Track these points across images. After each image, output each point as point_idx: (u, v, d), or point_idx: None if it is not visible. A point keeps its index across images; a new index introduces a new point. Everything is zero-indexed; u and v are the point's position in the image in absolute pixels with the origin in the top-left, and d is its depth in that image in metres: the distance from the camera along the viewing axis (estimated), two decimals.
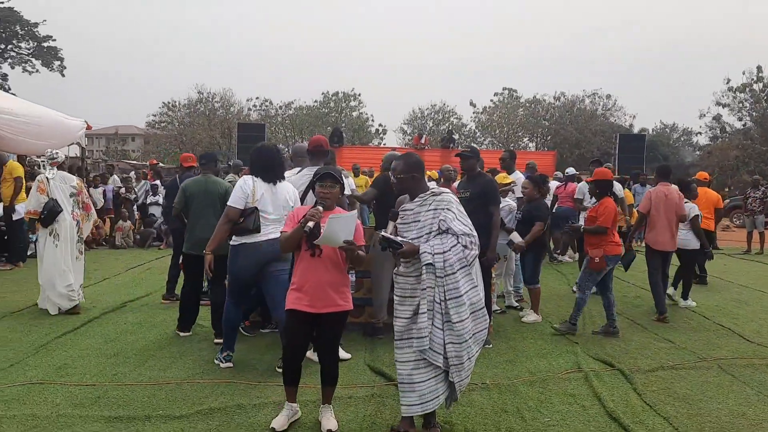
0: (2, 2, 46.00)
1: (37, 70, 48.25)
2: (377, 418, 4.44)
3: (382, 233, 4.11)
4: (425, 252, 4.06)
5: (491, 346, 6.16)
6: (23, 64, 48.50)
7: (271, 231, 5.15)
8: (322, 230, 4.04)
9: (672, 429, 4.31)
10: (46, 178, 7.37)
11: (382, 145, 43.16)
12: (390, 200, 5.11)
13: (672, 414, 4.54)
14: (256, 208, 5.12)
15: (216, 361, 5.51)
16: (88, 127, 12.70)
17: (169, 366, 5.44)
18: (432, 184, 6.33)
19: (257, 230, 5.09)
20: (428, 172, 8.17)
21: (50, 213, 7.21)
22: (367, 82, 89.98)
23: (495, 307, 7.53)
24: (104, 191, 13.87)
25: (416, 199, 4.26)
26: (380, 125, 49.18)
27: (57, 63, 49.13)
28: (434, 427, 4.24)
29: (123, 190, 14.05)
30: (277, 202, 5.24)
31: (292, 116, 46.38)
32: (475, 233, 4.20)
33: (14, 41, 48.44)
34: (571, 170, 13.87)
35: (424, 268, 4.05)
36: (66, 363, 5.44)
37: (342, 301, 4.24)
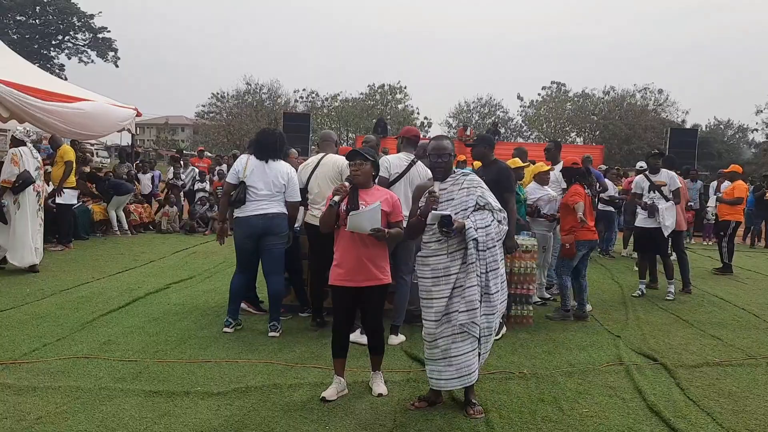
0: None
1: (93, 61, 49.78)
2: (412, 400, 4.43)
3: (436, 212, 4.16)
4: (470, 228, 4.17)
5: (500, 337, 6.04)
6: (79, 55, 50.05)
7: (262, 206, 5.68)
8: (360, 207, 4.29)
9: (716, 425, 4.18)
10: (20, 151, 8.17)
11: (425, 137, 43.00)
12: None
13: (716, 410, 4.40)
14: (243, 182, 5.69)
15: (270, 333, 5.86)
16: (138, 114, 13.00)
17: (209, 345, 5.52)
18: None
19: (240, 202, 5.69)
20: (476, 164, 8.15)
21: (24, 182, 8.13)
22: (413, 75, 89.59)
23: (536, 298, 7.45)
24: (152, 177, 14.21)
25: (448, 179, 4.41)
26: (426, 118, 49.00)
27: (111, 54, 50.51)
28: (477, 406, 4.29)
29: (171, 175, 14.34)
30: (267, 179, 5.70)
31: (337, 108, 46.58)
32: (505, 210, 4.44)
33: (71, 32, 49.89)
34: (642, 164, 13.60)
35: (471, 243, 4.15)
36: (110, 339, 5.58)
37: (382, 275, 4.43)
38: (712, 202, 10.49)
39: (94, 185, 12.26)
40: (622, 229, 12.98)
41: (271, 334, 5.86)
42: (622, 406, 4.46)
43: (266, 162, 5.78)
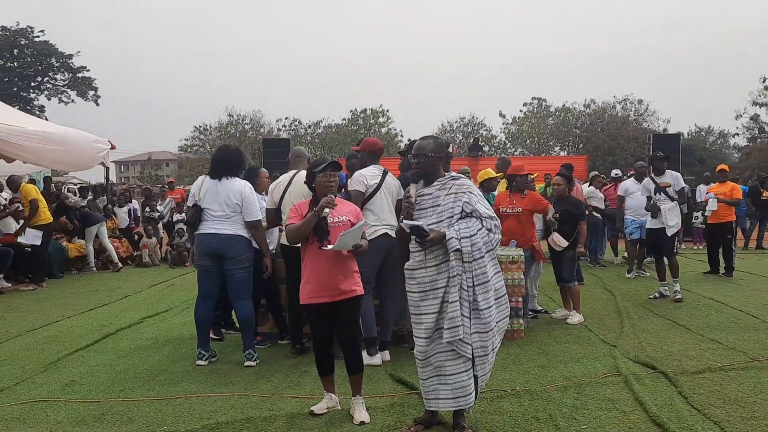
0: (37, 36, 47.24)
1: (73, 101, 49.23)
2: (397, 428, 4.10)
3: (407, 222, 3.92)
4: (452, 238, 3.85)
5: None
6: (59, 95, 49.58)
7: (215, 226, 5.43)
8: (329, 220, 4.16)
9: None
10: None
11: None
12: None
13: (723, 418, 4.09)
14: (196, 204, 5.54)
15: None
16: (113, 147, 12.71)
17: (180, 380, 5.16)
18: None
19: (192, 225, 5.59)
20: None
21: None
22: (394, 99, 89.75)
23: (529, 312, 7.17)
24: (129, 210, 13.87)
25: (435, 183, 4.08)
26: (409, 140, 48.62)
27: (91, 93, 50.09)
28: (467, 430, 3.97)
29: (147, 209, 14.02)
30: (219, 198, 5.44)
31: (321, 135, 46.54)
32: (497, 217, 4.07)
33: (50, 73, 49.59)
34: (617, 172, 13.45)
35: (452, 254, 3.84)
36: (74, 380, 5.21)
37: (355, 286, 4.28)
38: (713, 205, 10.23)
39: (64, 215, 11.91)
40: (609, 238, 12.72)
41: (246, 363, 5.51)
42: (622, 420, 4.13)
43: (219, 180, 5.50)
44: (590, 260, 11.95)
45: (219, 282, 5.56)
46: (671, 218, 8.11)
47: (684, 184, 8.46)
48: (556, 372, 5.24)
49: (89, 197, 13.13)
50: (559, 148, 44.94)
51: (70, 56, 48.19)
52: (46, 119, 44.37)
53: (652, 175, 8.50)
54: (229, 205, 5.43)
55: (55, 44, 47.66)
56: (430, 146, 4.07)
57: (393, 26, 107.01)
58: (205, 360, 5.59)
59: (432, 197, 4.05)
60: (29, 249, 10.17)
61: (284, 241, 5.68)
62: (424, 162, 4.07)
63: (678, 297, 8.10)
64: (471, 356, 3.91)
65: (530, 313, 7.25)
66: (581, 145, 42.47)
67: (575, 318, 7.06)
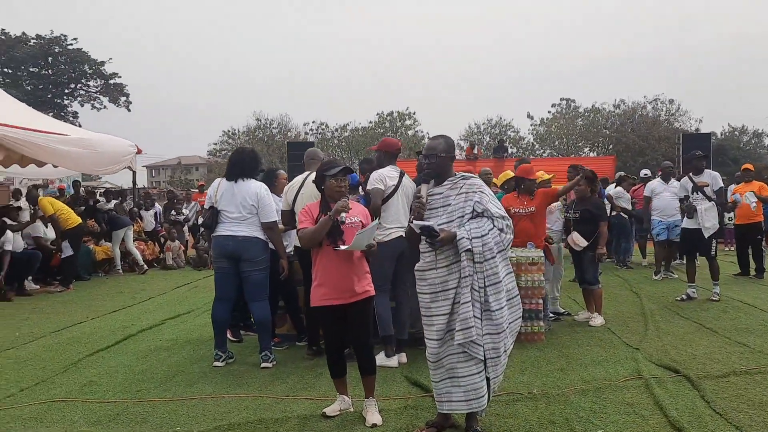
0: (71, 44, 48.22)
1: (105, 107, 50.06)
2: (409, 430, 4.05)
3: (417, 222, 3.87)
4: (463, 238, 3.79)
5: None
6: (92, 102, 50.51)
7: (232, 228, 5.44)
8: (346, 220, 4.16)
9: None
10: None
11: None
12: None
13: (746, 423, 3.96)
14: (212, 206, 5.55)
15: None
16: (138, 151, 12.89)
17: (196, 381, 5.18)
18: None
19: (209, 228, 5.62)
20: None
21: None
22: (421, 101, 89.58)
23: (550, 314, 7.07)
24: (155, 213, 14.05)
25: (445, 183, 4.03)
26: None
27: (123, 99, 50.93)
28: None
29: (173, 212, 14.19)
30: (235, 200, 5.45)
31: (347, 138, 46.64)
32: (509, 217, 4.00)
33: (83, 80, 50.55)
34: (646, 172, 13.22)
35: (463, 254, 3.78)
36: (92, 380, 5.26)
37: (367, 287, 4.27)
38: (750, 196, 9.99)
39: (93, 219, 12.11)
40: (638, 239, 12.49)
41: (263, 365, 5.51)
42: (641, 424, 4.04)
43: (235, 182, 5.52)
44: (617, 262, 11.76)
45: (236, 284, 5.57)
46: (708, 219, 7.92)
47: (722, 184, 8.26)
48: (576, 375, 5.14)
49: (116, 200, 13.29)
50: (588, 149, 44.36)
51: (102, 63, 49.05)
52: (80, 125, 45.35)
53: (690, 174, 8.29)
54: (245, 206, 5.44)
55: (88, 52, 48.55)
56: (441, 146, 4.03)
57: (420, 27, 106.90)
58: (222, 361, 5.61)
59: (442, 197, 4.00)
60: (58, 252, 10.39)
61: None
62: (436, 162, 4.02)
63: (715, 298, 7.99)
64: (483, 358, 3.85)
65: (552, 315, 7.14)
66: (611, 146, 41.88)
67: (597, 320, 6.94)
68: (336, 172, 4.27)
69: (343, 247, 4.10)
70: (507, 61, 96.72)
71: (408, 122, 49.11)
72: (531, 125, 47.29)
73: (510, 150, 46.96)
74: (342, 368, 4.34)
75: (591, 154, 42.31)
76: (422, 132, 48.67)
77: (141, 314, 8.06)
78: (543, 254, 6.46)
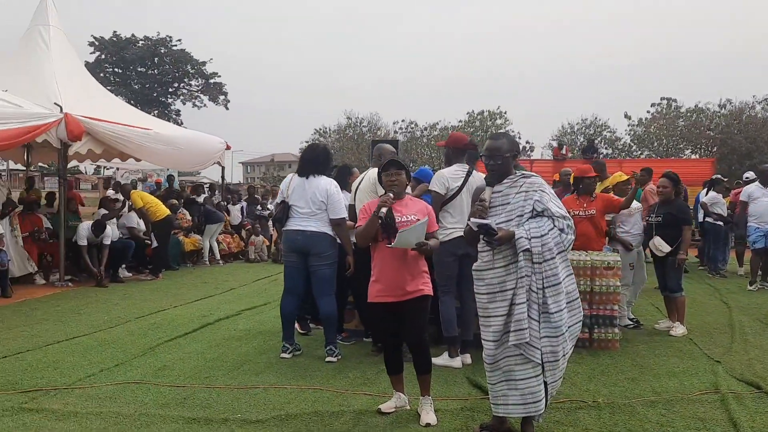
0: (175, 45, 50.59)
1: (205, 105, 52.24)
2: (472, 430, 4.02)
3: (474, 220, 3.80)
4: (521, 237, 3.71)
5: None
6: (193, 100, 52.76)
7: (302, 224, 5.54)
8: (396, 218, 4.12)
9: None
10: None
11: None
12: None
13: None
14: (284, 201, 5.66)
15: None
16: (228, 147, 13.38)
17: (262, 371, 5.32)
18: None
19: (279, 222, 5.75)
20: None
21: None
22: (513, 100, 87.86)
23: (625, 320, 6.80)
24: (241, 208, 14.54)
25: (505, 181, 3.95)
26: (527, 142, 47.92)
27: (222, 97, 52.94)
28: None
29: (259, 207, 14.65)
30: (306, 196, 5.54)
31: (437, 137, 46.53)
32: (571, 217, 3.89)
33: (185, 79, 52.91)
34: (748, 175, 12.48)
35: (521, 254, 3.70)
36: (166, 365, 5.50)
37: (422, 285, 4.21)
38: None
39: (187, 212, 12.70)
40: (735, 247, 11.77)
41: (328, 359, 5.59)
42: None
43: (307, 178, 5.61)
44: (710, 270, 11.14)
45: (304, 278, 5.68)
46: None
47: None
48: (646, 386, 4.92)
49: (206, 195, 13.85)
50: (690, 151, 42.26)
51: (204, 63, 51.15)
52: (181, 122, 47.47)
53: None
54: (314, 202, 5.52)
55: (191, 52, 50.74)
56: (505, 146, 3.96)
57: (513, 26, 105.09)
58: (289, 353, 5.73)
59: (502, 195, 3.93)
60: (149, 242, 10.94)
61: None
62: (501, 163, 3.94)
63: None
64: (540, 361, 3.75)
65: (630, 323, 6.86)
66: (714, 148, 39.73)
67: (679, 330, 6.61)
68: (384, 165, 4.30)
69: (391, 245, 4.08)
70: (600, 58, 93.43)
71: (499, 121, 48.50)
72: (628, 125, 45.62)
73: (604, 151, 45.60)
74: (398, 365, 4.33)
75: (693, 157, 40.34)
76: (513, 131, 47.94)
77: (220, 304, 8.35)
78: (620, 258, 6.21)
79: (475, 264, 4.00)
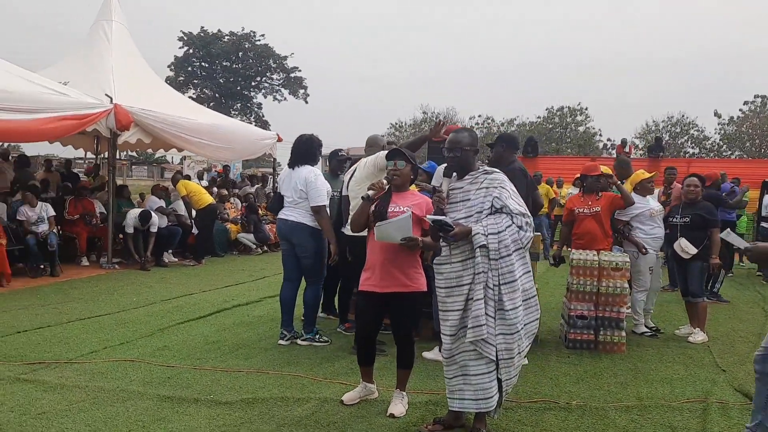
0: (258, 40, 51.94)
1: (285, 98, 53.31)
2: (421, 425, 4.00)
3: (430, 216, 3.82)
4: (478, 233, 3.68)
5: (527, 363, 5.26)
6: (274, 94, 54.01)
7: (286, 213, 5.78)
8: (390, 208, 4.07)
9: None
10: None
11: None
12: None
13: None
14: (278, 191, 5.98)
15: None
16: (279, 140, 13.69)
17: (254, 356, 5.47)
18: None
19: (271, 210, 6.09)
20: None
21: None
22: (595, 97, 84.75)
23: (643, 328, 6.54)
24: None
25: (466, 177, 3.92)
26: (609, 140, 46.41)
27: (301, 91, 53.95)
28: None
29: None
30: (290, 185, 5.75)
31: (514, 133, 45.82)
32: (530, 214, 3.82)
33: (267, 73, 54.22)
34: None
35: (477, 250, 3.67)
36: (167, 345, 5.74)
37: (410, 281, 4.11)
38: None
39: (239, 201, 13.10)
40: None
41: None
42: None
43: (293, 169, 5.83)
44: (765, 277, 10.50)
45: (298, 264, 5.85)
46: None
47: None
48: (633, 391, 4.74)
49: (257, 185, 14.23)
50: None
51: (285, 57, 52.25)
52: (263, 116, 48.66)
53: None
54: (296, 191, 5.70)
55: (273, 47, 51.93)
56: (466, 139, 3.92)
57: (593, 21, 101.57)
58: (287, 340, 5.86)
59: (462, 191, 3.89)
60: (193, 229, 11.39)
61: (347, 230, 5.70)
62: (461, 156, 3.90)
63: None
64: (495, 358, 3.70)
65: (647, 331, 6.58)
66: None
67: (698, 337, 6.29)
68: (390, 154, 4.25)
69: (375, 238, 4.04)
70: (691, 54, 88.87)
71: (579, 118, 47.18)
72: (718, 124, 43.39)
73: (690, 150, 43.59)
74: (369, 357, 4.34)
75: None
76: (593, 128, 46.61)
77: (247, 291, 8.59)
78: (628, 259, 5.97)
79: (435, 258, 3.98)
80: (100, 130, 9.63)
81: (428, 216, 3.81)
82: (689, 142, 44.84)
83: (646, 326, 6.59)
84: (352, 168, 5.98)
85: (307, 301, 5.87)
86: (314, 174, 5.74)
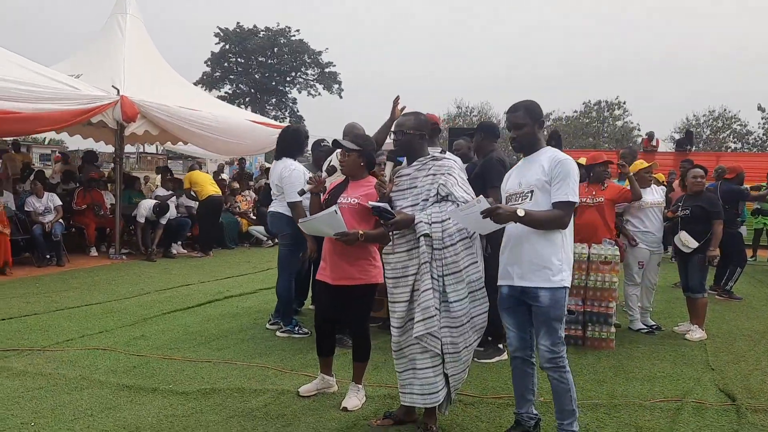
0: (293, 35, 52.17)
1: (320, 93, 53.40)
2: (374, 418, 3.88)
3: (371, 202, 3.68)
4: (421, 221, 3.54)
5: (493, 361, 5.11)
6: (308, 89, 54.19)
7: (271, 204, 5.88)
8: (341, 199, 3.98)
9: None
10: None
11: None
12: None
13: None
14: (267, 184, 5.65)
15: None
16: None
17: (226, 347, 5.40)
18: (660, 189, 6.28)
19: (262, 204, 5.85)
20: (655, 175, 6.83)
21: None
22: (635, 91, 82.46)
23: (639, 324, 6.27)
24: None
25: (414, 163, 3.77)
26: (646, 134, 45.29)
27: (336, 86, 54.00)
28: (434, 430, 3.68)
29: None
30: (272, 178, 5.83)
31: (548, 127, 45.07)
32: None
33: (302, 69, 54.42)
34: None
35: (421, 239, 3.53)
36: (144, 335, 5.71)
37: (359, 274, 3.98)
38: None
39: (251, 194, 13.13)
40: None
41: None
42: None
43: (277, 161, 5.83)
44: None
45: None
46: None
47: None
48: (608, 389, 4.54)
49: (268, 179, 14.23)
50: None
51: (320, 53, 52.35)
52: (297, 110, 48.81)
53: None
54: (276, 185, 5.71)
55: (308, 42, 52.07)
56: (410, 123, 3.77)
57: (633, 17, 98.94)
58: (272, 324, 6.00)
59: (410, 178, 3.75)
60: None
61: None
62: (403, 140, 3.77)
63: None
64: (440, 352, 3.55)
65: (644, 327, 6.30)
66: None
67: (696, 334, 5.99)
68: (334, 144, 4.23)
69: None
70: (733, 49, 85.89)
71: (617, 112, 46.19)
72: (762, 118, 41.94)
73: (732, 145, 42.24)
74: (327, 348, 4.26)
75: None
76: (632, 123, 45.60)
77: (244, 282, 8.53)
78: (618, 252, 5.71)
79: (384, 248, 3.83)
80: (107, 121, 9.69)
81: (370, 202, 3.68)
82: (731, 137, 43.48)
83: (644, 323, 6.30)
84: (328, 160, 5.87)
85: (278, 292, 5.84)
86: (289, 169, 5.62)
